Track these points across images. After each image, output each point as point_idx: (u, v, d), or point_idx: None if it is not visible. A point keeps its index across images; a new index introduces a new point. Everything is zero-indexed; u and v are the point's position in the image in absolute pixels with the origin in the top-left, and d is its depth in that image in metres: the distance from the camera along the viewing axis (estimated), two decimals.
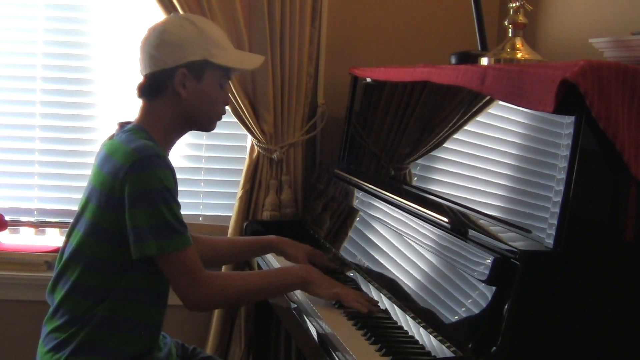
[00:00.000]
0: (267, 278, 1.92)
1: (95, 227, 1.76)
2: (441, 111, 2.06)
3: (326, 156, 2.89)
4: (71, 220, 1.86)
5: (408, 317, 1.73)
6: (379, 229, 2.04)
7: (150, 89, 1.83)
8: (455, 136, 1.96)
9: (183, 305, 1.75)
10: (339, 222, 2.36)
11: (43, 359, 1.80)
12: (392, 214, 1.98)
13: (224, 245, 2.28)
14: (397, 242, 1.91)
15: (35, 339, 1.86)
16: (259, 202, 2.79)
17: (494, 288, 1.44)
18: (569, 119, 1.44)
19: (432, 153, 2.07)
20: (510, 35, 2.07)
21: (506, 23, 2.09)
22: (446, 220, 1.72)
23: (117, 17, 2.83)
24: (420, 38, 2.93)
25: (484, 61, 2.10)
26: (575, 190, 1.41)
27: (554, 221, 1.43)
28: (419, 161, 2.14)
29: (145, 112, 1.85)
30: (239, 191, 2.80)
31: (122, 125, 1.88)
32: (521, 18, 2.06)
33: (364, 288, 2.02)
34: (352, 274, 2.14)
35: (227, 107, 2.69)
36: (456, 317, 1.53)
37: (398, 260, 1.86)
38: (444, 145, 2.01)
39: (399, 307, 1.78)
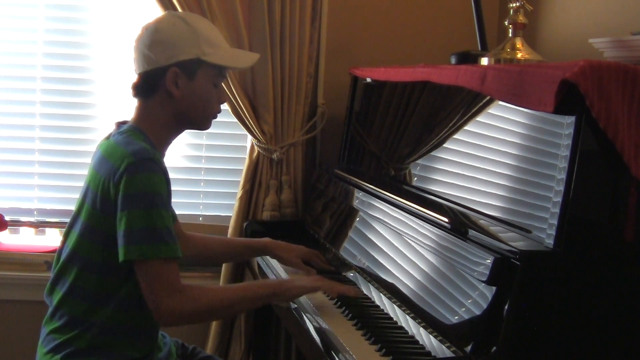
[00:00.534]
0: (241, 291, 1.85)
1: (90, 229, 1.76)
2: (441, 111, 2.06)
3: (326, 156, 2.89)
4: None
5: (408, 317, 1.73)
6: (379, 229, 2.04)
7: (144, 88, 1.83)
8: (455, 136, 1.96)
9: (154, 317, 1.69)
10: (339, 222, 2.36)
11: None
12: (392, 214, 1.98)
13: (219, 245, 2.28)
14: (397, 242, 1.91)
15: (35, 339, 1.86)
16: (259, 202, 2.79)
17: (494, 288, 1.44)
18: (569, 119, 1.44)
19: (432, 153, 2.07)
20: (510, 35, 2.07)
21: (506, 23, 2.09)
22: (446, 220, 1.72)
23: (116, 17, 2.83)
24: (420, 38, 2.93)
25: (484, 61, 2.10)
26: (575, 190, 1.41)
27: (554, 221, 1.43)
28: (419, 161, 2.14)
29: (141, 112, 1.85)
30: (239, 191, 2.80)
31: (120, 125, 1.88)
32: (521, 18, 2.06)
33: (364, 288, 2.02)
34: (352, 274, 2.14)
35: (227, 107, 2.71)
36: (456, 317, 1.53)
37: (398, 260, 1.86)
38: (444, 145, 2.01)
39: (399, 307, 1.78)
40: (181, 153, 2.92)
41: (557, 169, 1.46)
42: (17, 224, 2.88)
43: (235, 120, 2.74)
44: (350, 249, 2.15)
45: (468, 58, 2.31)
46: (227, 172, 2.98)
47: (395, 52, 2.90)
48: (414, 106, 2.24)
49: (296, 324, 1.89)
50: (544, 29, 2.69)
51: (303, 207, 2.82)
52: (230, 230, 2.79)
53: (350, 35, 2.90)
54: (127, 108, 2.81)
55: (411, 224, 1.86)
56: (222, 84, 1.94)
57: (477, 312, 1.46)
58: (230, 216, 2.82)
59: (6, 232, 2.84)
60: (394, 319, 1.79)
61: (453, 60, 2.39)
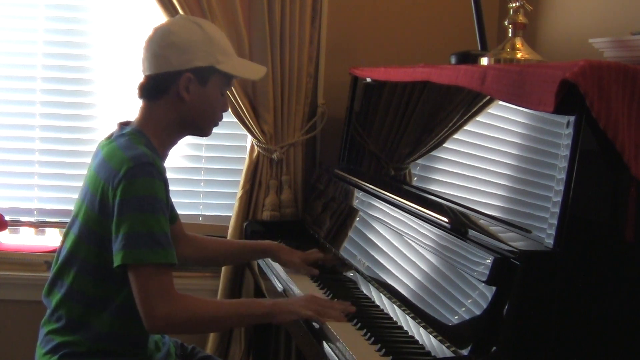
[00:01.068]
0: (235, 307, 1.83)
1: (87, 231, 1.76)
2: (441, 111, 2.06)
3: (326, 156, 2.89)
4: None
5: (408, 317, 1.72)
6: (379, 229, 2.04)
7: (152, 90, 1.82)
8: (455, 136, 1.96)
9: (144, 323, 1.67)
10: (339, 222, 2.36)
11: None
12: (392, 214, 1.98)
13: (221, 247, 2.28)
14: (397, 242, 1.91)
15: (34, 340, 1.86)
16: (259, 202, 2.79)
17: (494, 288, 1.44)
18: (569, 119, 1.44)
19: (432, 153, 2.07)
20: (510, 35, 2.07)
21: (506, 23, 2.09)
22: (446, 220, 1.72)
23: (116, 17, 2.83)
24: (420, 38, 2.93)
25: (484, 61, 2.10)
26: (575, 190, 1.41)
27: (554, 221, 1.43)
28: (419, 161, 2.14)
29: (145, 114, 1.84)
30: (239, 191, 2.80)
31: (122, 125, 1.87)
32: (521, 18, 2.06)
33: (364, 288, 2.02)
34: (352, 274, 2.14)
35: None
36: (456, 317, 1.53)
37: (398, 260, 1.86)
38: (444, 145, 2.01)
39: (399, 307, 1.78)
40: (181, 153, 2.92)
41: (557, 169, 1.46)
42: (17, 224, 2.88)
43: (235, 120, 2.74)
44: (350, 249, 2.15)
45: (468, 58, 2.31)
46: (227, 172, 2.98)
47: (395, 52, 2.90)
48: (414, 106, 2.24)
49: (296, 324, 1.89)
50: (544, 29, 2.68)
51: (303, 207, 2.82)
52: (230, 230, 2.79)
53: (350, 35, 2.90)
54: (127, 108, 2.83)
55: (411, 224, 1.86)
56: (228, 93, 1.94)
57: (477, 312, 1.46)
58: (230, 216, 2.82)
59: (6, 232, 2.84)
60: (394, 319, 1.79)
61: (453, 60, 2.39)
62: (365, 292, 2.00)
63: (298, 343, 2.25)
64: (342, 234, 2.27)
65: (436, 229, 1.74)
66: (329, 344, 1.67)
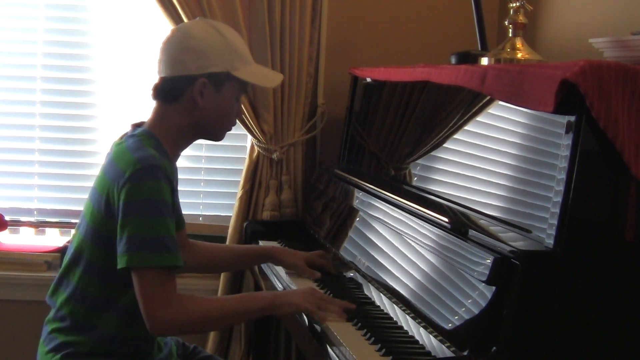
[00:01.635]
0: (235, 303, 1.83)
1: (93, 231, 1.76)
2: (441, 111, 2.06)
3: (326, 156, 2.89)
4: (71, 220, 1.87)
5: (408, 317, 1.72)
6: (379, 229, 2.04)
7: (166, 93, 1.80)
8: (455, 136, 1.96)
9: (147, 324, 1.67)
10: (339, 222, 2.36)
11: (43, 359, 1.80)
12: (392, 214, 1.98)
13: (224, 254, 2.26)
14: (397, 242, 1.91)
15: (35, 339, 1.86)
16: (259, 202, 2.79)
17: (494, 288, 1.44)
18: (569, 119, 1.44)
19: (432, 153, 2.07)
20: (510, 35, 2.07)
21: (506, 23, 2.09)
22: (446, 220, 1.72)
23: (117, 18, 2.83)
24: (420, 38, 2.94)
25: (484, 61, 2.10)
26: (575, 190, 1.41)
27: (554, 221, 1.43)
28: (419, 161, 2.14)
29: (158, 116, 1.83)
30: (239, 191, 2.80)
31: (135, 127, 1.86)
32: (521, 18, 2.06)
33: (364, 288, 2.02)
34: (352, 274, 2.14)
35: None
36: (456, 317, 1.53)
37: (398, 260, 1.86)
38: (444, 145, 2.01)
39: (399, 307, 1.78)
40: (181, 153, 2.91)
41: (557, 169, 1.46)
42: (17, 224, 2.89)
43: None
44: (350, 249, 2.15)
45: (468, 58, 2.31)
46: (227, 172, 2.98)
47: (395, 52, 2.90)
48: (414, 106, 2.24)
49: (296, 324, 1.89)
50: (544, 29, 2.69)
51: (303, 207, 2.82)
52: (230, 231, 2.79)
53: (350, 35, 2.90)
54: (128, 108, 2.83)
55: (411, 224, 1.86)
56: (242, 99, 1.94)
57: (477, 312, 1.46)
58: (230, 216, 2.82)
59: (6, 232, 2.84)
60: (394, 319, 1.79)
61: (453, 60, 2.39)
62: (365, 292, 2.00)
63: (298, 342, 2.25)
64: (342, 234, 2.27)
65: (436, 228, 1.74)
66: (329, 344, 1.67)
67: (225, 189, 2.98)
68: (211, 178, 2.98)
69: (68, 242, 1.88)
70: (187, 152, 2.91)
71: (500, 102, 1.75)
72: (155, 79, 1.84)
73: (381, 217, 2.05)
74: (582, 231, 1.43)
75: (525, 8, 2.06)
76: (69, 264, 1.81)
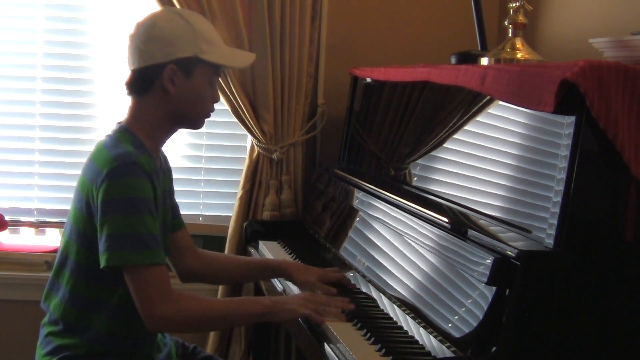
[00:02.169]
0: (234, 306, 1.82)
1: (78, 232, 1.75)
2: (441, 111, 2.06)
3: (326, 156, 2.89)
4: None
5: (408, 317, 1.72)
6: (379, 229, 2.04)
7: (138, 85, 1.79)
8: (455, 136, 1.96)
9: (145, 323, 1.67)
10: (339, 222, 2.36)
11: None
12: (392, 214, 1.98)
13: (231, 264, 2.18)
14: (397, 242, 1.91)
15: (34, 339, 1.86)
16: (259, 202, 2.79)
17: (494, 288, 1.44)
18: (569, 119, 1.44)
19: (432, 153, 2.06)
20: (510, 35, 2.07)
21: (506, 23, 2.09)
22: (446, 220, 1.72)
23: (117, 17, 2.83)
24: (420, 38, 2.93)
25: (484, 61, 2.10)
26: (575, 190, 1.41)
27: (554, 221, 1.43)
28: (419, 161, 2.14)
29: (134, 111, 1.81)
30: (239, 191, 2.80)
31: (119, 124, 1.86)
32: (521, 18, 2.06)
33: (364, 288, 2.02)
34: (352, 274, 2.14)
35: (227, 107, 2.71)
36: (456, 317, 1.53)
37: (398, 260, 1.86)
38: (444, 145, 2.01)
39: (399, 307, 1.78)
40: (181, 153, 2.92)
41: (557, 169, 1.46)
42: (17, 224, 2.88)
43: (235, 120, 2.74)
44: (350, 249, 2.15)
45: (468, 58, 2.31)
46: (227, 172, 2.98)
47: (395, 52, 2.90)
48: (414, 106, 2.24)
49: (295, 324, 1.89)
50: (544, 29, 2.69)
51: (303, 207, 2.82)
52: (230, 231, 2.79)
53: (350, 35, 2.90)
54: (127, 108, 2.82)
55: (411, 224, 1.86)
56: (217, 82, 1.92)
57: (477, 312, 1.46)
58: (230, 216, 2.82)
59: (6, 232, 2.84)
60: (394, 319, 1.79)
61: (453, 60, 2.39)
62: (365, 292, 2.00)
63: (298, 343, 2.25)
64: (342, 234, 2.27)
65: (436, 229, 1.74)
66: (329, 344, 1.67)
67: (225, 189, 2.98)
68: (211, 178, 2.98)
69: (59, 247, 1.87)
70: (187, 152, 2.94)
71: (500, 102, 1.75)
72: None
73: (381, 217, 2.05)
74: (582, 231, 1.43)
75: (525, 8, 2.06)
76: (58, 267, 1.81)
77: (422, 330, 1.65)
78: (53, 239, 2.86)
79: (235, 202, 2.80)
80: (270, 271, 2.17)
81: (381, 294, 1.91)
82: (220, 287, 2.77)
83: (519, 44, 2.05)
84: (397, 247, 1.90)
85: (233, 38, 2.67)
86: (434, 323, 1.60)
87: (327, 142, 2.89)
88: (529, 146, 1.63)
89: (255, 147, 2.77)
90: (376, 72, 2.50)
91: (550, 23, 2.66)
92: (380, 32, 2.92)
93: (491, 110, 1.82)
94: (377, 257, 1.97)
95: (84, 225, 1.73)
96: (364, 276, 2.02)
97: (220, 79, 2.54)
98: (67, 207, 2.83)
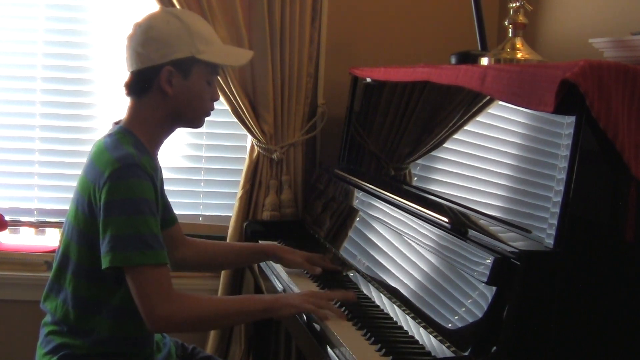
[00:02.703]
0: (235, 303, 1.84)
1: (78, 233, 1.76)
2: (441, 111, 2.06)
3: (326, 156, 2.89)
4: None
5: (408, 317, 1.72)
6: (379, 229, 2.04)
7: (137, 87, 1.80)
8: (455, 136, 1.96)
9: (146, 323, 1.67)
10: (339, 222, 2.36)
11: None
12: (392, 214, 1.98)
13: (225, 252, 2.24)
14: (397, 242, 1.91)
15: (34, 339, 1.86)
16: (259, 202, 2.79)
17: (494, 288, 1.44)
18: (569, 119, 1.44)
19: (432, 153, 2.07)
20: (510, 35, 2.07)
21: (506, 23, 2.09)
22: (446, 220, 1.72)
23: (116, 17, 2.83)
24: (420, 38, 2.94)
25: (484, 61, 2.10)
26: (575, 190, 1.41)
27: (554, 221, 1.43)
28: (419, 161, 2.14)
29: (133, 112, 1.82)
30: (239, 191, 2.80)
31: (115, 124, 1.86)
32: (521, 18, 2.06)
33: (364, 288, 2.02)
34: (352, 274, 2.14)
35: (227, 107, 2.71)
36: (456, 317, 1.53)
37: (398, 260, 1.86)
38: (444, 145, 2.01)
39: (399, 307, 1.78)
40: (181, 153, 2.92)
41: (557, 169, 1.46)
42: (17, 224, 2.88)
43: (235, 120, 2.74)
44: (350, 249, 2.15)
45: (468, 58, 2.31)
46: (227, 172, 2.98)
47: (395, 52, 2.90)
48: (414, 106, 2.24)
49: (296, 324, 1.89)
50: (544, 29, 2.69)
51: (303, 207, 2.82)
52: (230, 231, 2.79)
53: (350, 35, 2.90)
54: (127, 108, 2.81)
55: (411, 224, 1.86)
56: (216, 81, 1.92)
57: (477, 312, 1.46)
58: (230, 216, 2.82)
59: (6, 232, 2.84)
60: (394, 319, 1.79)
61: (453, 60, 2.39)
62: (365, 292, 2.00)
63: (298, 343, 2.25)
64: (342, 234, 2.27)
65: (436, 229, 1.74)
66: (329, 344, 1.67)
67: (225, 189, 2.98)
68: (211, 178, 2.98)
69: (57, 247, 1.87)
70: (187, 152, 2.94)
71: (500, 102, 1.75)
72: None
73: (381, 217, 2.05)
74: (582, 231, 1.43)
75: (525, 8, 2.06)
76: (58, 269, 1.81)
77: (422, 330, 1.65)
78: (53, 239, 2.86)
79: (235, 202, 2.80)
80: (259, 254, 2.25)
81: (381, 294, 1.91)
82: (221, 285, 2.77)
83: (519, 44, 2.05)
84: (397, 247, 1.90)
85: (233, 38, 2.67)
86: (434, 323, 1.60)
87: (327, 142, 2.89)
88: (529, 146, 1.63)
89: (255, 147, 2.77)
90: (376, 72, 2.50)
91: (550, 23, 2.66)
92: (380, 32, 2.92)
93: (491, 110, 1.82)
94: (377, 257, 1.97)
95: (85, 225, 1.73)
96: (364, 276, 2.02)
97: (220, 79, 2.55)
98: (67, 207, 2.85)
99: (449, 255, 1.65)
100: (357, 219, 2.22)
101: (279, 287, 2.16)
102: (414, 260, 1.79)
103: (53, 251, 2.77)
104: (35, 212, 2.90)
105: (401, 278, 1.81)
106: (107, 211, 1.66)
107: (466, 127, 1.91)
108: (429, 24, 2.94)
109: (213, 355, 2.13)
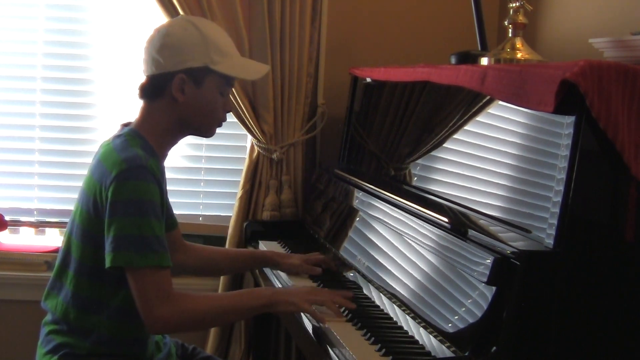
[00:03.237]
0: (234, 300, 1.83)
1: (83, 231, 1.76)
2: (441, 111, 2.06)
3: (326, 156, 2.89)
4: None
5: (408, 317, 1.72)
6: (379, 229, 2.04)
7: (150, 91, 1.82)
8: (455, 136, 1.96)
9: (145, 324, 1.68)
10: (339, 222, 2.36)
11: None
12: (392, 214, 1.98)
13: (224, 258, 2.25)
14: (397, 242, 1.91)
15: (35, 339, 1.86)
16: (259, 202, 2.79)
17: (493, 288, 1.44)
18: (569, 119, 1.44)
19: (432, 153, 2.07)
20: (510, 35, 2.07)
21: (506, 23, 2.09)
22: (446, 220, 1.72)
23: (116, 18, 2.83)
24: (420, 38, 2.93)
25: (484, 61, 2.10)
26: (575, 190, 1.41)
27: (554, 221, 1.43)
28: (419, 161, 2.14)
29: (144, 114, 1.83)
30: (239, 191, 2.80)
31: (124, 126, 1.87)
32: (521, 18, 2.06)
33: (364, 288, 2.02)
34: (352, 274, 2.14)
35: None
36: (456, 317, 1.53)
37: (398, 260, 1.86)
38: (444, 145, 2.01)
39: (399, 307, 1.78)
40: (181, 153, 2.92)
41: (557, 169, 1.46)
42: (17, 224, 2.88)
43: (235, 120, 2.74)
44: (350, 249, 2.15)
45: (468, 58, 2.31)
46: (227, 172, 2.98)
47: (395, 52, 2.90)
48: (414, 106, 2.24)
49: (296, 324, 1.89)
50: (544, 29, 2.69)
51: (303, 207, 2.82)
52: (230, 231, 2.79)
53: (350, 35, 2.90)
54: (127, 108, 2.83)
55: (411, 224, 1.86)
56: (230, 92, 1.92)
57: (477, 312, 1.46)
58: (230, 216, 2.82)
59: (6, 232, 2.84)
60: (394, 319, 1.79)
61: (453, 60, 2.39)
62: (365, 292, 2.00)
63: (298, 342, 2.25)
64: (342, 234, 2.27)
65: (436, 229, 1.74)
66: (329, 344, 1.67)
67: (225, 189, 2.98)
68: (211, 178, 2.98)
69: (61, 247, 1.87)
70: (187, 152, 2.94)
71: (500, 102, 1.75)
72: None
73: (381, 217, 2.05)
74: (582, 231, 1.43)
75: (525, 8, 2.06)
76: (61, 267, 1.81)
77: (422, 330, 1.65)
78: (53, 239, 2.86)
79: (235, 202, 2.80)
80: (256, 260, 2.26)
81: (381, 294, 1.91)
82: (221, 285, 2.78)
83: (519, 44, 2.05)
84: (397, 247, 1.90)
85: (233, 38, 2.63)
86: (433, 323, 1.60)
87: (327, 142, 2.89)
88: (529, 146, 1.63)
89: (255, 147, 2.77)
90: (376, 72, 2.50)
91: (550, 23, 2.66)
92: (380, 32, 2.92)
93: (491, 110, 1.82)
94: (377, 257, 1.97)
95: (90, 224, 1.73)
96: (364, 276, 2.02)
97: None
98: (67, 207, 2.85)
99: (449, 255, 1.65)
100: (357, 219, 2.22)
101: (278, 285, 2.16)
102: (414, 260, 1.79)
103: (53, 251, 2.78)
104: (35, 212, 2.90)
105: (401, 278, 1.81)
106: (112, 211, 1.66)
107: (466, 127, 1.91)
108: (429, 24, 2.94)
109: (213, 356, 2.13)
